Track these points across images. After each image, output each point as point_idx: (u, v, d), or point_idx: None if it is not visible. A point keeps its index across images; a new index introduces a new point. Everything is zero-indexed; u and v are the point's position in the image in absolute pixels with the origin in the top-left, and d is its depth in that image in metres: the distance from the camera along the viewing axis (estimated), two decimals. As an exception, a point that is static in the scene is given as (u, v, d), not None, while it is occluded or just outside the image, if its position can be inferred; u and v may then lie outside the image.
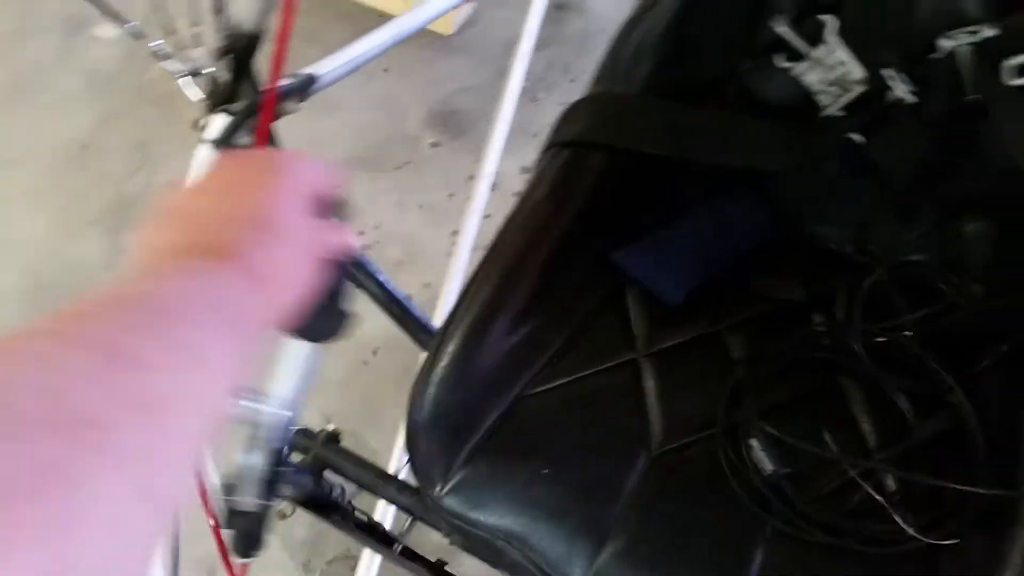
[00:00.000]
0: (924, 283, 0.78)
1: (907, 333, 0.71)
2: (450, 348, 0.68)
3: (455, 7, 1.16)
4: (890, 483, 0.66)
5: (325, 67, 0.89)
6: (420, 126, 1.79)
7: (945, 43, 0.74)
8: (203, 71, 0.75)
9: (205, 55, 0.72)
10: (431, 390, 0.66)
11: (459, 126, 1.79)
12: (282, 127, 0.89)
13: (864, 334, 0.70)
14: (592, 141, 0.80)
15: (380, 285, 1.03)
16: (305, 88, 0.85)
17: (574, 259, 0.76)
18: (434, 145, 1.75)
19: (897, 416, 0.69)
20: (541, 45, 1.87)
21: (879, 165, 0.76)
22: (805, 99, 0.81)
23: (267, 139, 0.73)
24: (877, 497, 0.64)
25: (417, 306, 1.00)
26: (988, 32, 0.73)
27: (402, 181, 1.70)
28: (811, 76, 0.80)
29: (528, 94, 1.83)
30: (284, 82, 0.77)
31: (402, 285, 0.98)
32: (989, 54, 0.72)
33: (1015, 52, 0.72)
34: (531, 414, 0.69)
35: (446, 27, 1.90)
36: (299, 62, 0.87)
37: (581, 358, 0.73)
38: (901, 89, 0.77)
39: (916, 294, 0.78)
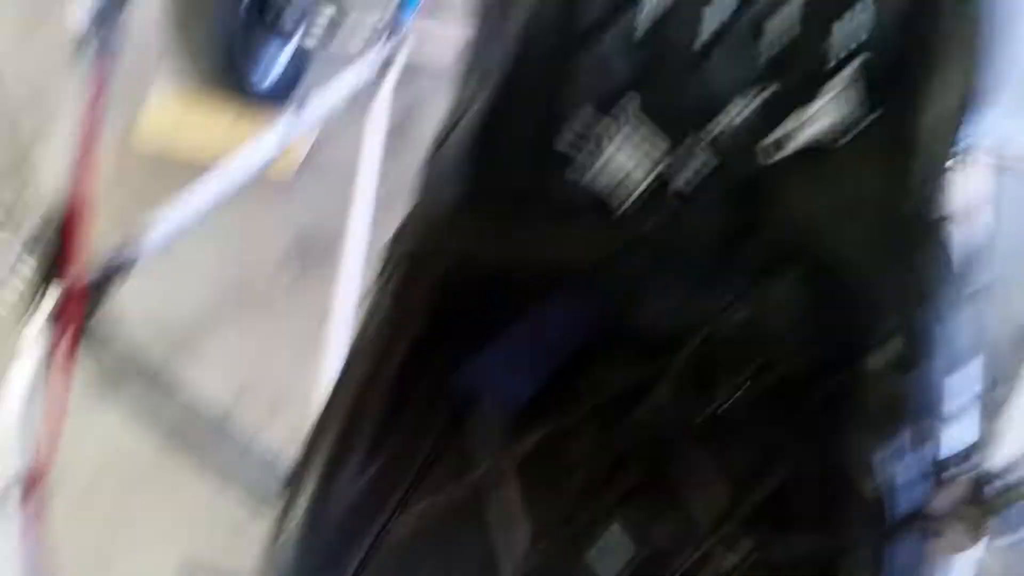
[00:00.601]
0: (748, 343, 0.82)
1: (730, 400, 0.74)
2: (300, 503, 0.67)
3: (284, 147, 1.17)
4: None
5: (151, 231, 0.88)
6: (279, 263, 1.76)
7: (738, 105, 0.80)
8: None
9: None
10: (284, 555, 0.65)
11: (320, 254, 1.77)
12: (127, 296, 0.87)
13: (691, 408, 0.73)
14: (420, 258, 0.82)
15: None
16: (128, 262, 0.85)
17: (419, 381, 0.77)
18: (296, 279, 1.73)
19: (743, 479, 0.72)
20: (391, 155, 1.88)
21: (682, 245, 0.81)
22: (606, 195, 0.85)
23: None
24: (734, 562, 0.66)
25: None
26: (772, 89, 0.79)
27: (267, 323, 1.66)
28: (620, 157, 0.85)
29: (386, 206, 1.82)
30: (95, 270, 0.76)
31: (278, 433, 0.93)
32: (770, 115, 0.79)
33: (790, 110, 0.78)
34: (392, 551, 0.68)
35: (285, 173, 1.84)
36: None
37: (437, 482, 0.73)
38: (701, 158, 0.83)
39: (744, 353, 0.82)
